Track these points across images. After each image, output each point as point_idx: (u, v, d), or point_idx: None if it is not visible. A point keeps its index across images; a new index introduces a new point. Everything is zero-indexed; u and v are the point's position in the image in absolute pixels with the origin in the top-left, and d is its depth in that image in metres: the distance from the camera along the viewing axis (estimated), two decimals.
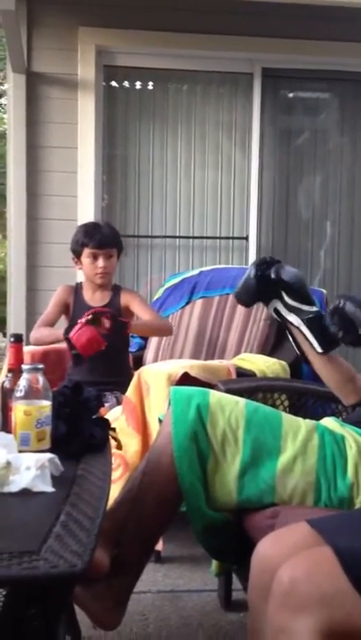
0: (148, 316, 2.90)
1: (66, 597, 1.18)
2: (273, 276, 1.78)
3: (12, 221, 4.02)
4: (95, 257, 2.86)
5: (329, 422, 1.80)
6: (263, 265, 1.80)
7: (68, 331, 2.69)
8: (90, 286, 2.97)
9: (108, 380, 2.83)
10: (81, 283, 3.02)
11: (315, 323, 1.78)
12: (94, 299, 2.96)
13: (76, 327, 2.63)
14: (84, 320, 2.63)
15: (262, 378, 2.62)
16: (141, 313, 2.91)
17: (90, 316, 2.63)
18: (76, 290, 3.01)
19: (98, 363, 2.82)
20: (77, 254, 2.91)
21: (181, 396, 1.72)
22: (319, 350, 1.79)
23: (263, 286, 1.78)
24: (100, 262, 2.86)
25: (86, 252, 2.87)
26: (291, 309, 1.80)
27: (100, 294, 2.96)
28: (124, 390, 2.58)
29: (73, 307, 2.97)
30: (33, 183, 3.98)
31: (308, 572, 1.22)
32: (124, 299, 2.95)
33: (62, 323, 3.01)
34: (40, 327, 2.93)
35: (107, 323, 2.63)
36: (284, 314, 1.81)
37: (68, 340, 2.62)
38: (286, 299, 1.79)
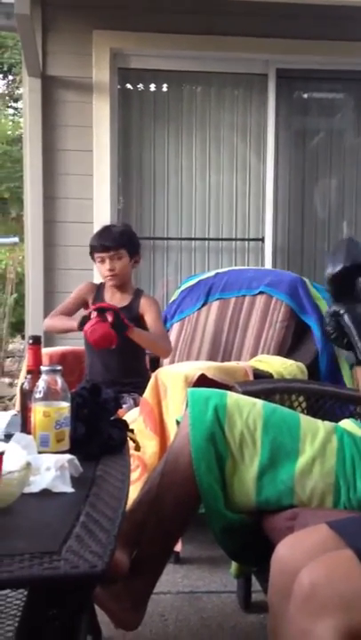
0: (154, 330, 2.89)
1: (86, 597, 1.18)
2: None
3: (29, 224, 4.04)
4: (102, 260, 2.89)
5: (347, 424, 1.79)
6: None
7: (82, 322, 2.71)
8: (110, 288, 2.98)
9: (125, 381, 2.83)
10: (103, 283, 3.03)
11: None
12: (114, 299, 2.96)
13: (91, 322, 2.66)
14: (94, 315, 2.66)
15: (279, 379, 2.61)
16: (151, 325, 2.89)
17: (95, 311, 2.66)
18: (99, 288, 3.03)
19: (115, 364, 2.83)
20: (93, 259, 2.96)
21: (199, 398, 1.72)
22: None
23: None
24: (107, 265, 2.88)
25: (95, 255, 2.92)
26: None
27: (119, 296, 2.96)
28: (141, 392, 2.58)
29: (92, 304, 2.96)
30: (49, 186, 4.00)
31: (329, 576, 1.22)
32: (143, 305, 2.94)
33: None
34: (55, 315, 2.97)
35: (109, 317, 2.65)
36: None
37: (82, 329, 2.70)
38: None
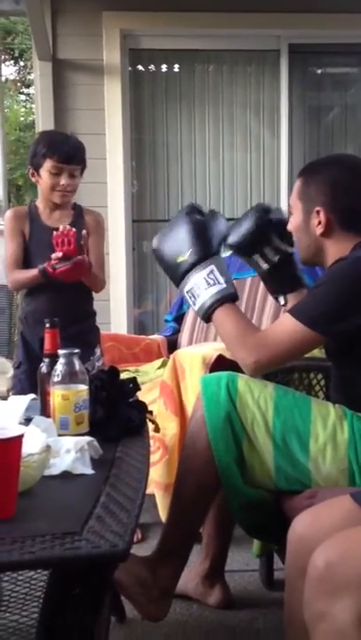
0: (94, 259, 2.50)
1: (109, 577, 1.19)
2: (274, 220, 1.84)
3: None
4: (58, 172, 2.46)
5: None
6: (264, 212, 1.85)
7: (44, 269, 2.39)
8: (47, 205, 2.57)
9: (73, 312, 2.49)
10: (34, 203, 2.62)
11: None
12: (53, 219, 2.56)
13: (59, 266, 2.35)
14: (58, 260, 2.34)
15: None
16: (93, 248, 2.51)
17: (60, 259, 2.34)
18: (30, 212, 2.59)
19: (60, 292, 2.48)
20: (36, 166, 2.50)
21: (211, 380, 1.73)
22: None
23: (260, 234, 1.83)
24: (63, 179, 2.47)
25: (48, 164, 2.46)
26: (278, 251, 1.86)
27: (59, 214, 2.57)
28: (93, 328, 2.62)
29: (30, 231, 2.55)
30: None
31: (344, 555, 1.20)
32: (89, 222, 2.58)
33: None
34: (13, 271, 2.54)
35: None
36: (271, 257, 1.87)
37: (47, 275, 2.39)
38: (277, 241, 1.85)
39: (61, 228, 2.37)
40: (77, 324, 2.47)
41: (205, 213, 1.78)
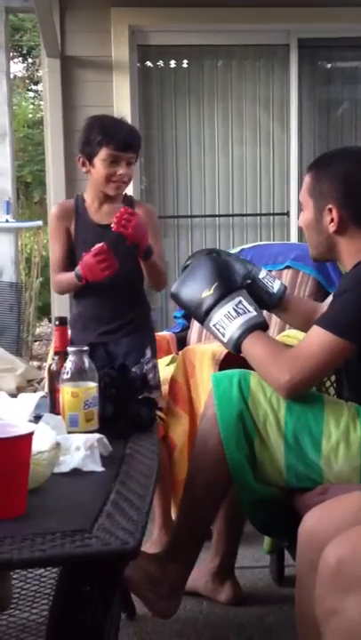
0: (155, 253, 2.26)
1: (119, 574, 1.19)
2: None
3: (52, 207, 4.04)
4: (115, 160, 2.21)
5: None
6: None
7: (77, 271, 2.17)
8: (97, 197, 2.29)
9: (122, 315, 2.31)
10: (82, 195, 2.35)
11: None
12: (101, 214, 2.29)
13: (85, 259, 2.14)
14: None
15: None
16: (151, 244, 2.23)
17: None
18: (77, 206, 2.32)
19: (108, 295, 2.28)
20: (89, 155, 2.23)
21: (223, 378, 1.72)
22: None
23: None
24: (121, 169, 2.20)
25: (104, 153, 2.20)
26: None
27: (108, 208, 2.28)
28: (145, 329, 2.35)
29: (75, 229, 2.31)
30: (71, 168, 3.98)
31: (356, 552, 1.19)
32: (140, 215, 2.21)
33: None
34: (56, 274, 2.33)
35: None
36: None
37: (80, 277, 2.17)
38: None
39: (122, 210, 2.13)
40: (125, 328, 2.32)
41: (222, 253, 1.78)
